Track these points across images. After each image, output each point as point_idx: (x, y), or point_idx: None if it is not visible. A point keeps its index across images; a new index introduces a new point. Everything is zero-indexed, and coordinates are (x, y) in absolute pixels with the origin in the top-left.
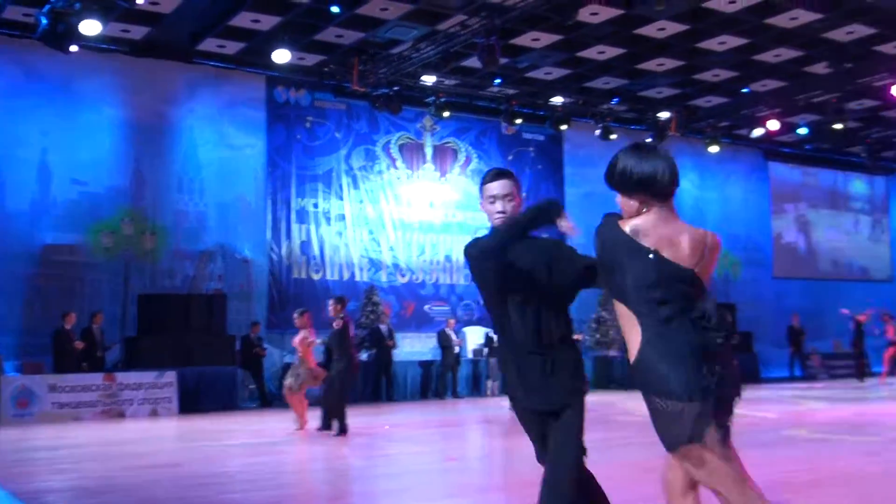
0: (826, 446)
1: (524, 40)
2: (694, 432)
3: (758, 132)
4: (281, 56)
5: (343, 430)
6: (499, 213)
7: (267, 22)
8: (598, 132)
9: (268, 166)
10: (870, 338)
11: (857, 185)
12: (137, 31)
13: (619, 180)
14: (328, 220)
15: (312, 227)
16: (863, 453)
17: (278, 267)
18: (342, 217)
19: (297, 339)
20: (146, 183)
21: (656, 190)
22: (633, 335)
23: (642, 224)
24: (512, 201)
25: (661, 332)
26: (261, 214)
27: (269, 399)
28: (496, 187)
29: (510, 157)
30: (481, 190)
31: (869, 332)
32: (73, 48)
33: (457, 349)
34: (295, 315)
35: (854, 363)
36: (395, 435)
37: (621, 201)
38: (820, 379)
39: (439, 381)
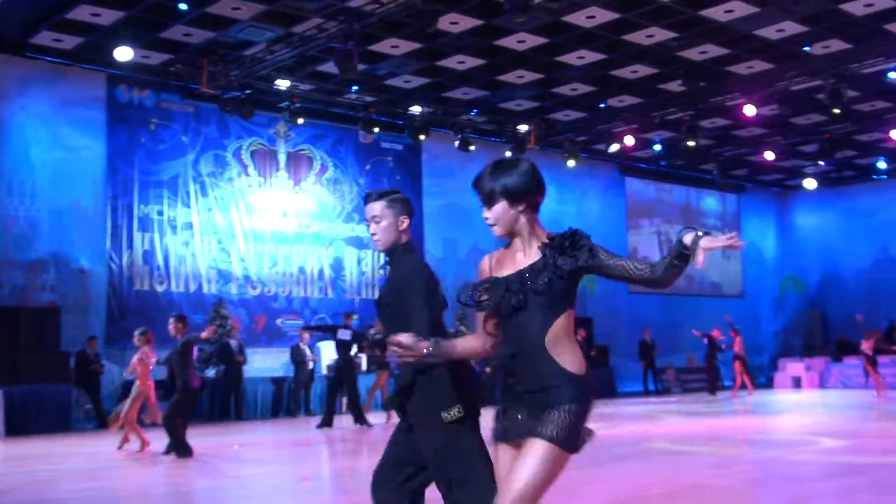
0: (679, 459)
1: (383, 47)
2: None
3: (614, 147)
4: (123, 53)
5: (186, 452)
6: (371, 234)
7: (108, 16)
8: (457, 143)
9: (108, 170)
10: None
11: (710, 201)
12: None
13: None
14: (174, 228)
15: (157, 236)
16: (713, 466)
17: (118, 278)
18: (189, 225)
19: (134, 359)
20: None
21: None
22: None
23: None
24: (380, 223)
25: None
26: (99, 221)
27: (108, 419)
28: (367, 211)
29: (367, 167)
30: None
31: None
32: None
33: (311, 364)
34: (136, 334)
35: (706, 377)
36: (244, 455)
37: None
38: (674, 393)
39: (292, 398)
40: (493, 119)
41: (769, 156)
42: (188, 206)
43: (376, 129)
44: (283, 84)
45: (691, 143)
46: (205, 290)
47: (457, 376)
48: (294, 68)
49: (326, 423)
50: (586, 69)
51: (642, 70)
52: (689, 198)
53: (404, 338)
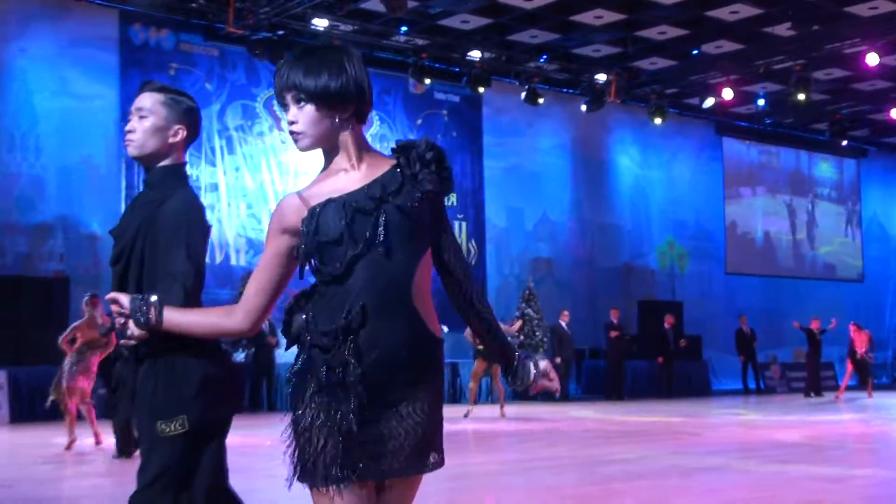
0: (782, 472)
1: None
2: None
3: (710, 102)
4: None
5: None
6: (126, 132)
7: None
8: (523, 95)
9: (121, 122)
10: (833, 347)
11: (823, 167)
12: None
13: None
14: (197, 190)
15: None
16: (823, 480)
17: None
18: (215, 187)
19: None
20: None
21: None
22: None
23: None
24: (144, 118)
25: None
26: (113, 181)
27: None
28: (134, 102)
29: (419, 121)
30: None
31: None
32: None
33: None
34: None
35: (806, 376)
36: (280, 451)
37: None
38: (779, 392)
39: None
40: (566, 67)
41: (895, 114)
42: (213, 164)
43: (428, 80)
44: (320, 24)
45: (801, 98)
46: (232, 261)
47: (193, 368)
48: (333, 5)
49: None
50: (677, 9)
51: (744, 10)
52: (798, 163)
53: (125, 298)
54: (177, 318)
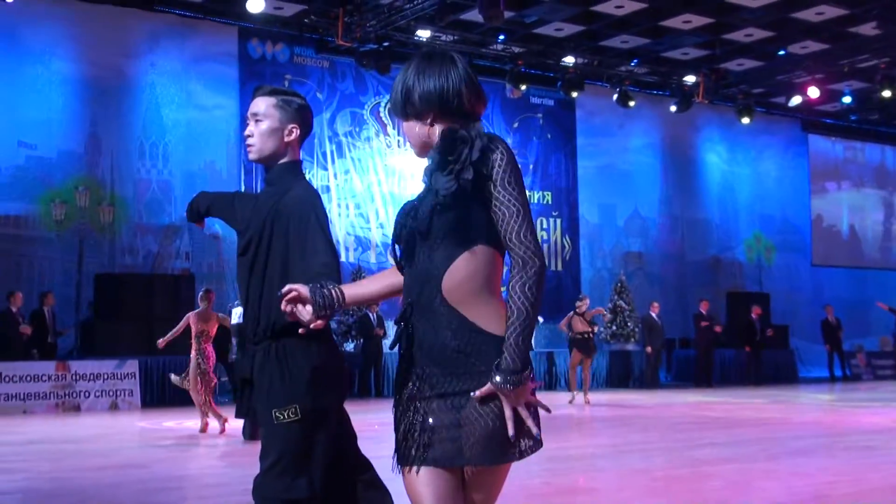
0: (869, 456)
1: None
2: None
3: (796, 100)
4: (255, 5)
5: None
6: (245, 137)
7: None
8: (615, 98)
9: (241, 130)
10: None
11: None
12: None
13: None
14: None
15: None
16: None
17: None
18: (326, 189)
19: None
20: (103, 147)
21: None
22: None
23: None
24: (260, 123)
25: None
26: (234, 184)
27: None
28: (250, 108)
29: (515, 125)
30: None
31: None
32: None
33: None
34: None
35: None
36: (386, 436)
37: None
38: (864, 380)
39: None
40: (656, 70)
41: None
42: (325, 168)
43: (524, 85)
44: (423, 35)
45: (887, 95)
46: (343, 258)
47: (307, 357)
48: (435, 17)
49: None
50: (763, 11)
51: (829, 11)
52: (883, 158)
53: (304, 288)
54: (356, 291)
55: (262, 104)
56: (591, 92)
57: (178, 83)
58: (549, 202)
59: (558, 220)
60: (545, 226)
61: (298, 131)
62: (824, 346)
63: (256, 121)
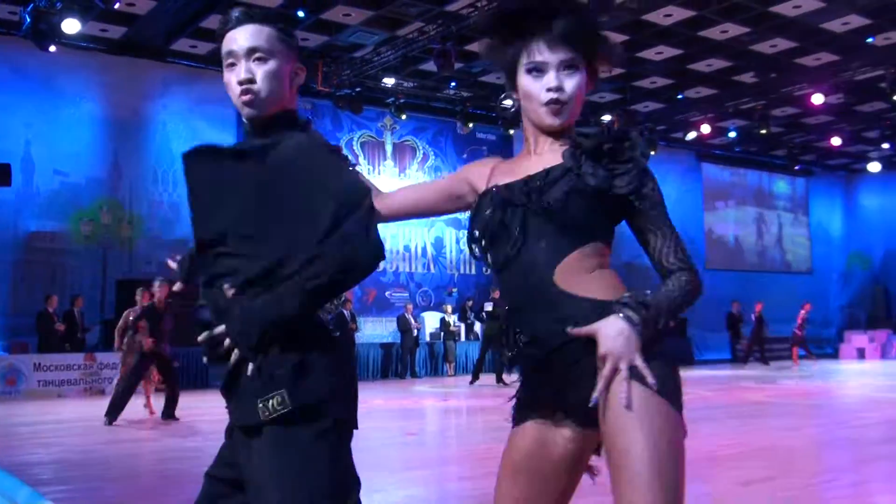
0: (748, 422)
1: (478, 46)
2: None
3: (692, 135)
4: None
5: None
6: (240, 83)
7: None
8: None
9: None
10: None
11: (781, 184)
12: (115, 31)
13: None
14: None
15: None
16: (781, 429)
17: None
18: None
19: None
20: (123, 174)
21: None
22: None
23: None
24: (265, 63)
25: None
26: None
27: None
28: (234, 40)
29: (464, 155)
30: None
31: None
32: (52, 48)
33: (415, 332)
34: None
35: (756, 349)
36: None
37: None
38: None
39: (399, 362)
40: (581, 111)
41: (836, 141)
42: None
43: (471, 123)
44: (389, 82)
45: (763, 131)
46: None
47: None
48: (398, 67)
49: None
50: (665, 63)
51: (717, 63)
52: (761, 181)
53: None
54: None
55: (260, 35)
56: None
57: (185, 121)
58: None
59: None
60: None
61: (304, 75)
62: (726, 334)
63: (257, 59)
